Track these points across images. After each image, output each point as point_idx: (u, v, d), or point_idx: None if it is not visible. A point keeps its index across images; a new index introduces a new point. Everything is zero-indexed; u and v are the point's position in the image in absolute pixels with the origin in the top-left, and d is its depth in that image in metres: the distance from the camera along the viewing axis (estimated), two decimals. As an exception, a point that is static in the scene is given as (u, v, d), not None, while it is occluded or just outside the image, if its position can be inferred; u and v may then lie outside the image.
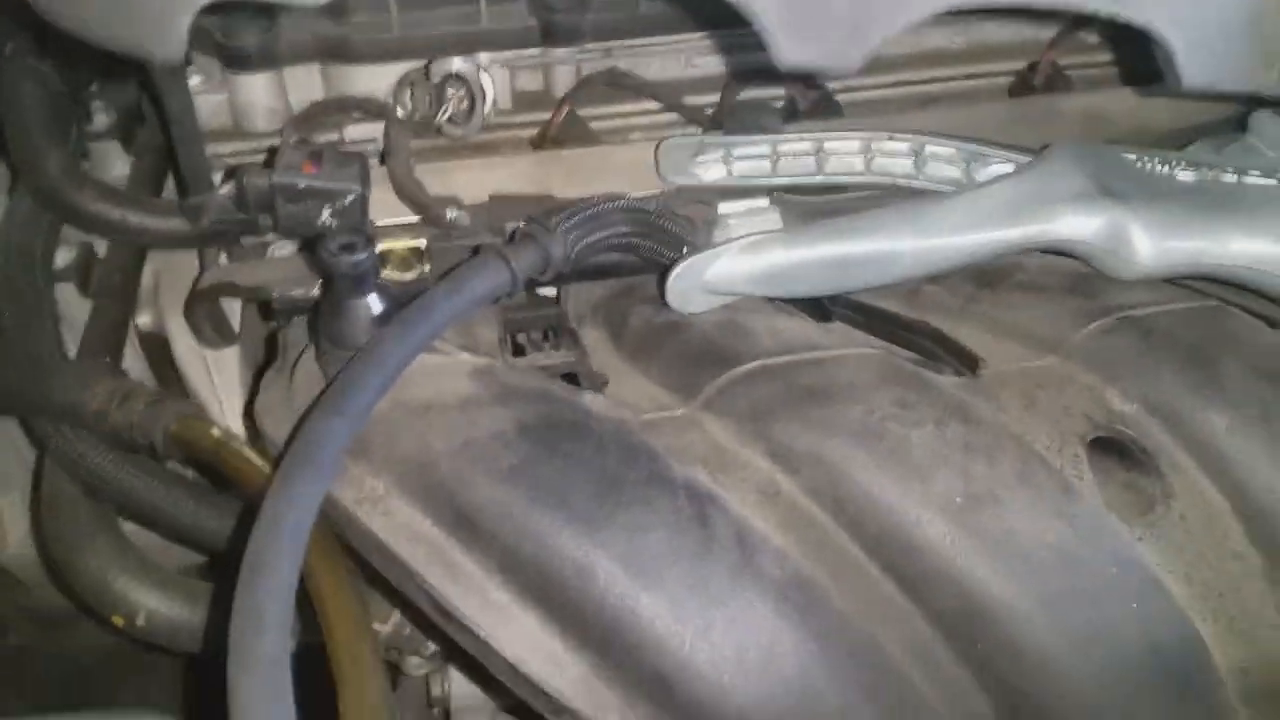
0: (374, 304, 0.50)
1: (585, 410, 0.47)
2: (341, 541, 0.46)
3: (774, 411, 0.46)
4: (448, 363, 0.50)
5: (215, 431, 0.52)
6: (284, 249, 0.68)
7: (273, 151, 0.63)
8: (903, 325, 0.56)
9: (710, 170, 0.65)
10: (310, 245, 0.65)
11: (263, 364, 0.69)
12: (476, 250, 0.56)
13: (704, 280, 0.54)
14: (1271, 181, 0.53)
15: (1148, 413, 0.47)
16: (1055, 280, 0.55)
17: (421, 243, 0.58)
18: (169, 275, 0.77)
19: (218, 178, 0.68)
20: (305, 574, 0.42)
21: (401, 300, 0.51)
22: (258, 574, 0.37)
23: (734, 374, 0.49)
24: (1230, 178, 0.53)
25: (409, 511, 0.44)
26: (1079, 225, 0.53)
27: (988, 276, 0.57)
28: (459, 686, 0.61)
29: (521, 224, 0.60)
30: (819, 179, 0.64)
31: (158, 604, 0.56)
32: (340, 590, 0.43)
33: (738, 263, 0.53)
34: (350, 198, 0.56)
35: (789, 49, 0.52)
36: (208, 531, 0.57)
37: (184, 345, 0.75)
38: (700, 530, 0.42)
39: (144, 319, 0.75)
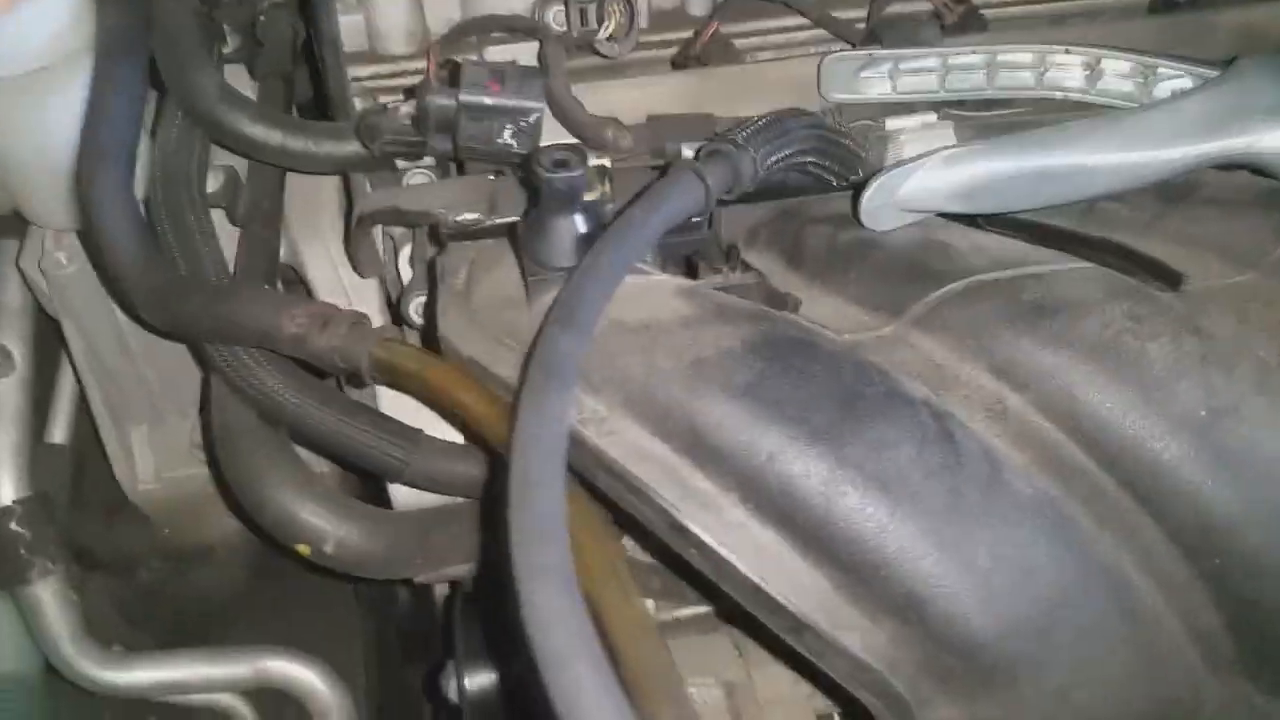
0: (580, 223, 0.50)
1: (808, 328, 0.48)
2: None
3: (996, 327, 0.46)
4: (652, 282, 0.50)
5: (420, 353, 0.52)
6: (417, 177, 0.69)
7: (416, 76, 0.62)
8: (1088, 243, 0.55)
9: (875, 86, 0.64)
10: (460, 172, 0.66)
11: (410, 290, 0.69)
12: (665, 169, 0.56)
13: (899, 196, 0.53)
14: None
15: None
16: (1245, 195, 0.54)
17: (606, 162, 0.57)
18: (301, 204, 0.77)
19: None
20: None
21: (602, 220, 0.52)
22: (532, 489, 0.37)
23: (947, 290, 0.48)
24: None
25: (637, 430, 0.44)
26: (1276, 138, 0.52)
27: (1172, 192, 0.56)
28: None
29: (692, 144, 0.61)
30: (989, 93, 0.64)
31: (346, 532, 0.57)
32: (581, 506, 0.44)
33: (936, 177, 0.53)
34: (534, 116, 0.56)
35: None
36: (388, 457, 0.58)
37: (320, 273, 0.76)
38: (948, 445, 0.42)
39: (282, 249, 0.76)
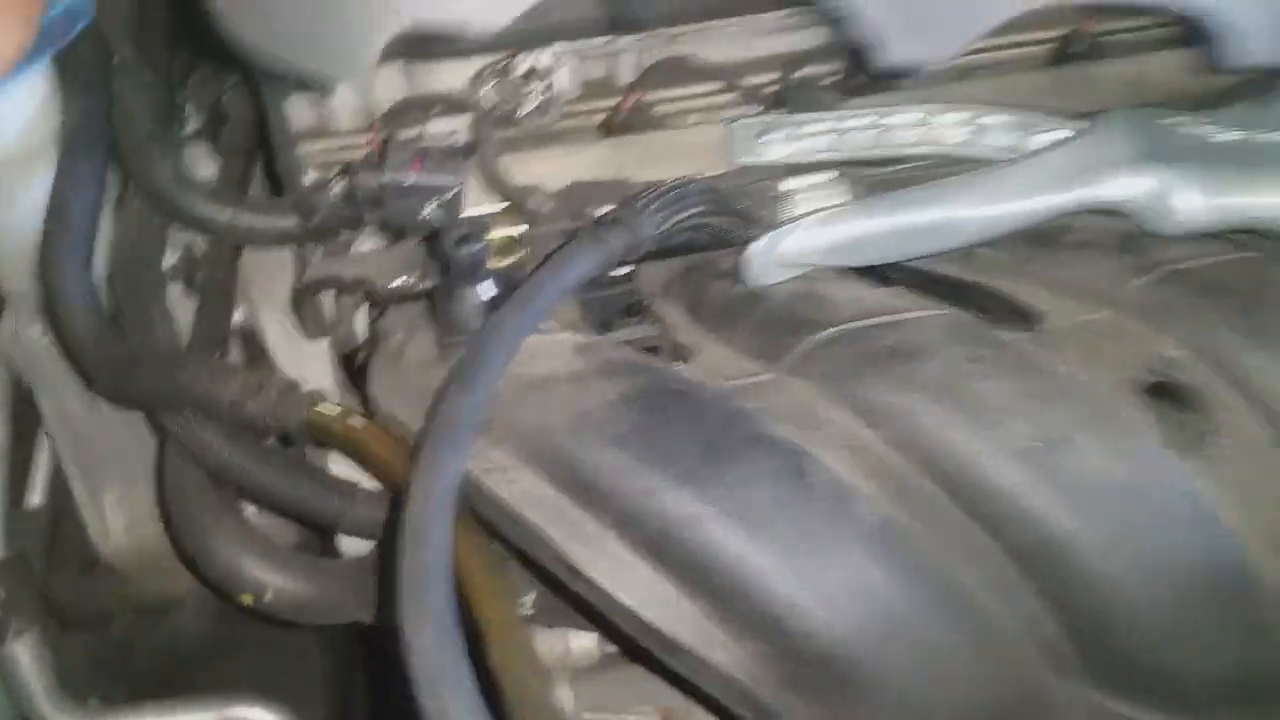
0: (486, 290, 0.57)
1: (683, 378, 0.54)
2: (475, 512, 0.53)
3: (856, 372, 0.53)
4: (553, 341, 0.57)
5: (346, 416, 0.59)
6: (366, 244, 0.76)
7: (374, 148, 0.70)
8: (963, 287, 0.62)
9: (775, 149, 0.71)
10: (400, 237, 0.73)
11: (353, 351, 0.76)
12: (573, 234, 0.63)
13: (780, 253, 0.60)
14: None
15: (1197, 357, 0.53)
16: (1106, 238, 0.61)
17: (520, 230, 0.64)
18: (259, 273, 0.85)
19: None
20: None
21: (513, 285, 0.58)
22: (419, 540, 0.44)
23: (816, 339, 0.55)
24: (1268, 136, 0.59)
25: (532, 478, 0.51)
26: (1129, 187, 0.58)
27: (1042, 237, 0.63)
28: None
29: (606, 208, 0.67)
30: (878, 152, 0.71)
31: (284, 581, 0.64)
32: (480, 555, 0.50)
33: (812, 235, 0.59)
34: (453, 192, 0.63)
35: (895, 50, 0.57)
36: (324, 509, 0.64)
37: (276, 336, 0.83)
38: (799, 482, 0.49)
39: (236, 315, 0.83)
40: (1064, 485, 0.49)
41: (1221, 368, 0.53)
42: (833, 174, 0.69)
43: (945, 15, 0.56)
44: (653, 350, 0.62)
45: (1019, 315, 0.58)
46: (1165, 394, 0.53)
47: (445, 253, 0.54)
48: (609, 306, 0.70)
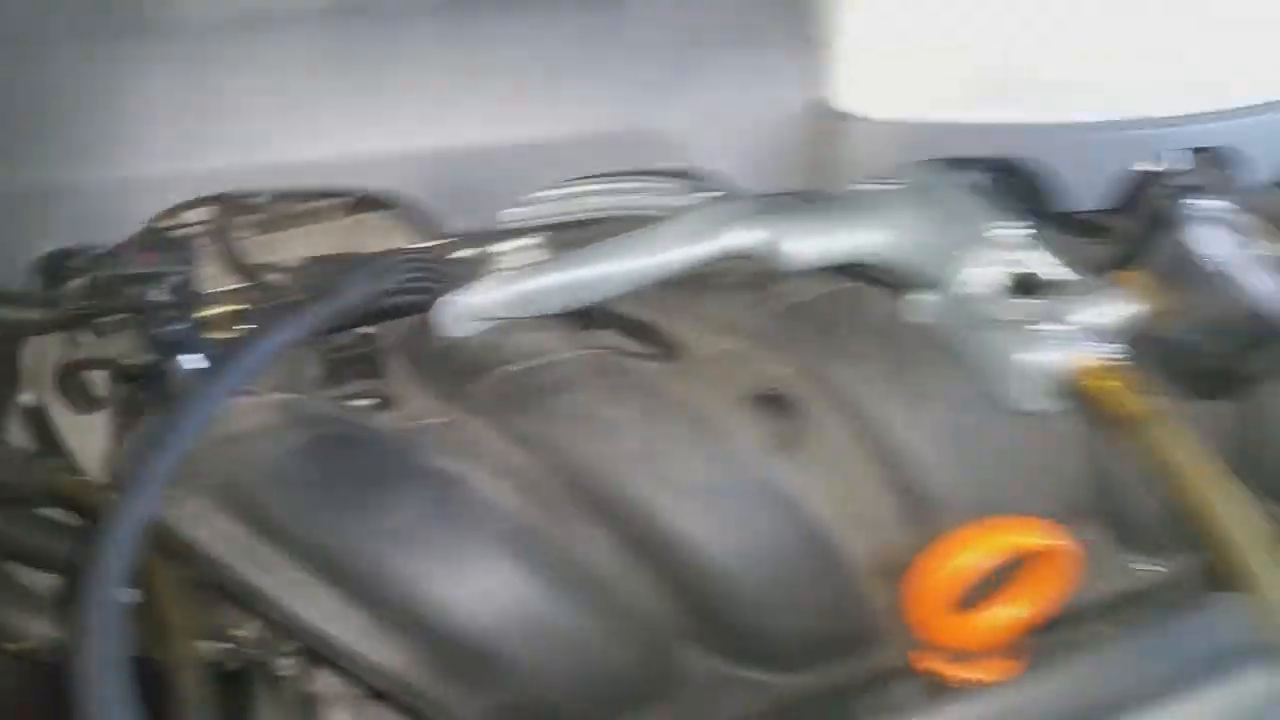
0: (191, 361, 0.66)
1: (364, 425, 0.63)
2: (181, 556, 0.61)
3: (516, 407, 0.63)
4: (259, 402, 0.66)
5: (82, 479, 0.67)
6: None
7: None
8: (631, 323, 0.72)
9: (485, 219, 0.82)
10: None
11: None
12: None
13: (468, 307, 0.70)
14: (886, 187, 0.70)
15: (799, 374, 0.65)
16: (745, 278, 0.72)
17: (242, 306, 0.73)
18: (40, 356, 0.92)
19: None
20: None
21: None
22: (93, 585, 0.52)
23: (487, 381, 0.65)
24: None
25: (225, 521, 0.60)
26: (748, 237, 0.70)
27: (700, 279, 0.74)
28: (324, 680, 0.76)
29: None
30: (579, 215, 0.82)
31: (44, 628, 0.71)
32: (170, 592, 0.59)
33: (490, 293, 0.70)
34: (179, 277, 0.72)
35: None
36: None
37: (59, 413, 0.91)
38: (449, 502, 0.59)
39: (26, 396, 0.91)
40: (671, 486, 0.60)
41: (817, 382, 0.65)
42: (536, 238, 0.81)
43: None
44: (381, 400, 0.71)
45: (668, 347, 0.69)
46: (770, 406, 0.64)
47: (151, 330, 0.63)
48: (347, 363, 0.79)
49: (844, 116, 0.60)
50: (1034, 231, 0.62)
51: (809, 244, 0.69)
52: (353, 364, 0.80)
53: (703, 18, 0.59)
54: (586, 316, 0.77)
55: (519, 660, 0.58)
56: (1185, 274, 0.60)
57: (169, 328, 0.63)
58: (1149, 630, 0.53)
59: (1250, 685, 0.48)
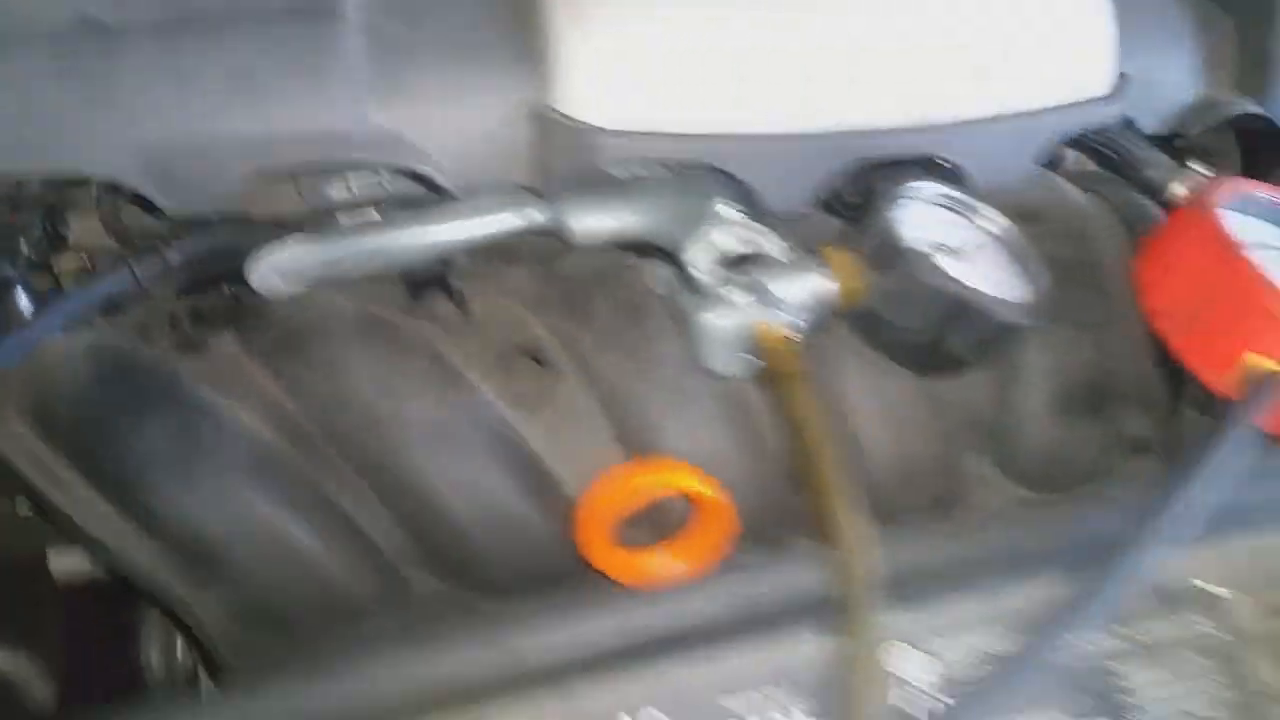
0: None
1: (157, 358, 0.71)
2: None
3: (282, 349, 0.70)
4: (78, 337, 0.74)
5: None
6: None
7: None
8: (421, 285, 0.78)
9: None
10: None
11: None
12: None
13: (273, 267, 0.78)
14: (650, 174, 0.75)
15: (550, 334, 0.71)
16: (528, 251, 0.78)
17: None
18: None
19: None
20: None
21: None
22: None
23: (267, 327, 0.72)
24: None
25: (35, 442, 0.69)
26: (532, 215, 0.76)
27: (490, 252, 0.80)
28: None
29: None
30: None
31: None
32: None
33: (295, 254, 0.77)
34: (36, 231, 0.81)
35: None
36: None
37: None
38: (201, 428, 0.67)
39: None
40: (410, 432, 0.67)
41: (567, 344, 0.71)
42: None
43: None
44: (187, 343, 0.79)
45: (450, 309, 0.76)
46: (521, 365, 0.71)
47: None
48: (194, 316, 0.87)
49: (566, 124, 0.66)
50: (754, 211, 0.67)
51: (589, 221, 0.75)
52: (198, 318, 0.90)
53: (423, 30, 0.66)
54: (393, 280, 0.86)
55: (253, 569, 0.66)
56: (886, 254, 0.64)
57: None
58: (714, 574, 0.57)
59: (800, 643, 0.53)
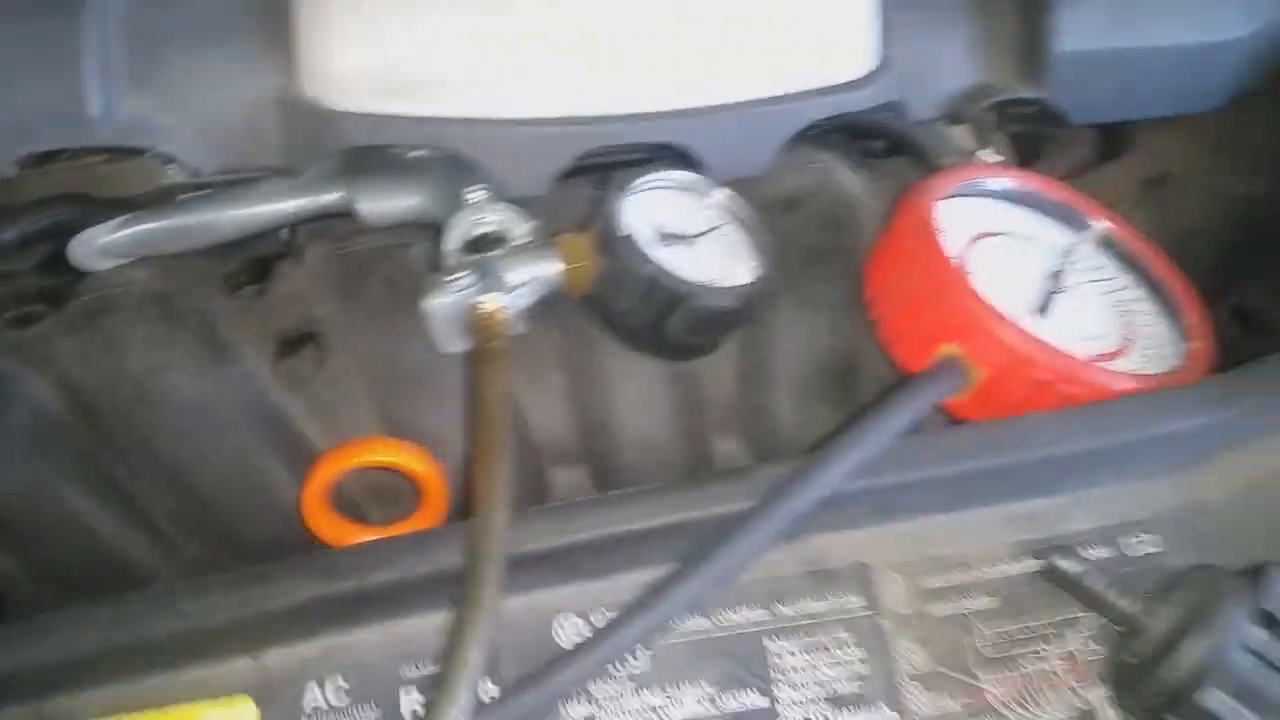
0: None
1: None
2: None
3: (78, 324, 0.74)
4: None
5: None
6: None
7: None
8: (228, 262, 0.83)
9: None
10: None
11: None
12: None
13: (93, 245, 0.82)
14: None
15: (339, 317, 0.74)
16: (338, 233, 0.81)
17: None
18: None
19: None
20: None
21: None
22: None
23: (71, 302, 0.77)
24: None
25: None
26: (327, 198, 0.80)
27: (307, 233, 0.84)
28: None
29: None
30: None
31: None
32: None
33: (114, 232, 0.82)
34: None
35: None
36: None
37: None
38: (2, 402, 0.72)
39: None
40: (178, 405, 0.71)
41: (340, 324, 0.74)
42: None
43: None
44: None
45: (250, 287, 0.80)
46: (295, 344, 0.75)
47: None
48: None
49: (309, 107, 0.70)
50: (494, 194, 0.70)
51: (377, 203, 0.79)
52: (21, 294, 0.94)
53: (173, 16, 0.70)
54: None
55: (36, 532, 0.72)
56: (606, 239, 0.67)
57: None
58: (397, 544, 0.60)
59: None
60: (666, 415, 0.73)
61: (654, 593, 0.53)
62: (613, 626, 0.53)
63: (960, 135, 0.83)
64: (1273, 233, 0.91)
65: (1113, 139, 0.95)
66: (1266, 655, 0.49)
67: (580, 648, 0.53)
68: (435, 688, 0.49)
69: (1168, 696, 0.49)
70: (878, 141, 0.82)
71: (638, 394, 0.73)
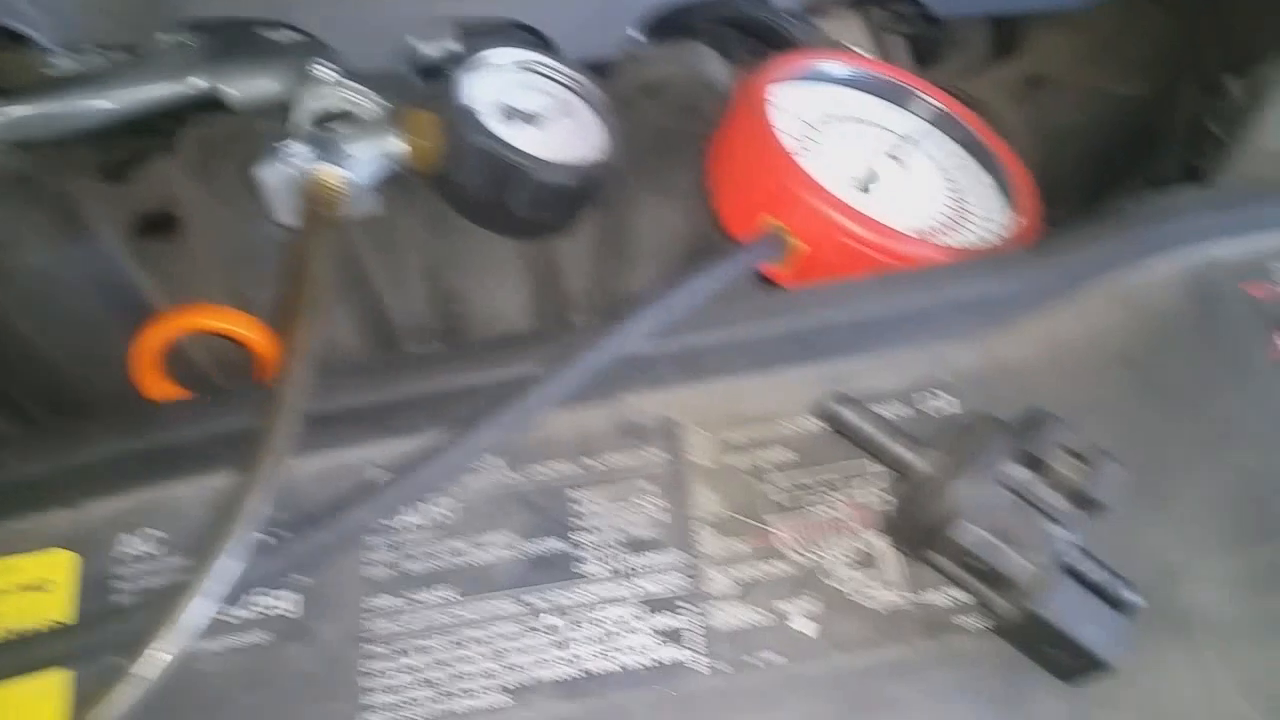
0: None
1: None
2: None
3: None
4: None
5: None
6: None
7: None
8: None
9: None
10: None
11: None
12: None
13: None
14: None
15: (192, 196, 0.76)
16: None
17: None
18: None
19: None
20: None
21: None
22: None
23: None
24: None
25: None
26: (194, 82, 0.81)
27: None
28: None
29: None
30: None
31: None
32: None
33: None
34: None
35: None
36: None
37: None
38: None
39: None
40: (27, 277, 0.73)
41: (195, 204, 0.76)
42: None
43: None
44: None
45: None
46: (156, 222, 0.76)
47: None
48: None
49: None
50: (341, 70, 0.71)
51: (241, 86, 0.80)
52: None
53: None
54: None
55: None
56: (449, 116, 0.68)
57: None
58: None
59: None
60: (524, 295, 0.75)
61: (450, 439, 0.56)
62: (403, 472, 0.55)
63: (844, 30, 0.85)
64: (1148, 134, 0.93)
65: (1006, 41, 0.97)
66: (1026, 494, 0.52)
67: (368, 490, 0.55)
68: (213, 530, 0.52)
69: (928, 532, 0.52)
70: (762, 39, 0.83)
71: (495, 274, 0.74)
